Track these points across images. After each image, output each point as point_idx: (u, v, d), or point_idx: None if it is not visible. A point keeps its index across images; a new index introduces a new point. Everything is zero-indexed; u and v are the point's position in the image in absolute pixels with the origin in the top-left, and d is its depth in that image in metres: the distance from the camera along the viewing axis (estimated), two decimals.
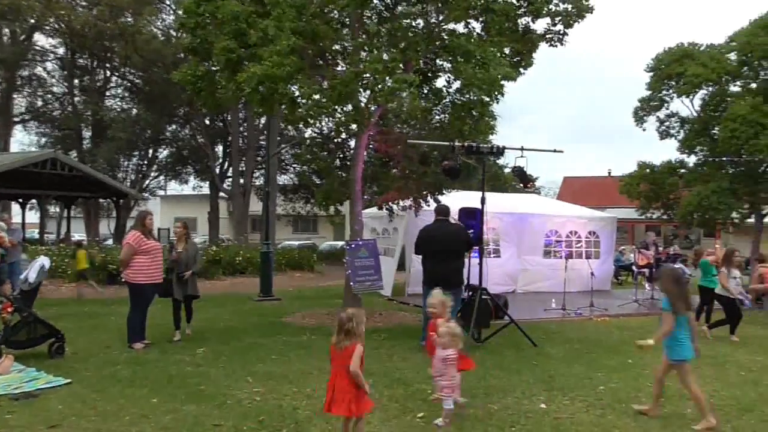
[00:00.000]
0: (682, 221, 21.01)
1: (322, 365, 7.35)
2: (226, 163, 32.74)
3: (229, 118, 29.85)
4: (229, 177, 32.18)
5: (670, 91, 21.85)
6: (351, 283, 10.73)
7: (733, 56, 20.76)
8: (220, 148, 32.92)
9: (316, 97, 9.09)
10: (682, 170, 21.57)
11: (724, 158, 19.50)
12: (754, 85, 20.47)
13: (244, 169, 29.56)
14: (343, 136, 12.28)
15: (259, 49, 8.90)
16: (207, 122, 31.30)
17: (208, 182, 34.22)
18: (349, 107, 10.06)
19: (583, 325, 11.25)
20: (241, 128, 30.63)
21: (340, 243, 28.05)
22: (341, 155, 12.58)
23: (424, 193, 12.30)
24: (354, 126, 10.54)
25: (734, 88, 21.06)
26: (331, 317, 11.28)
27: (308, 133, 12.49)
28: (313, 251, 28.39)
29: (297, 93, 9.27)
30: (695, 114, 21.81)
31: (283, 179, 33.05)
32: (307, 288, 17.98)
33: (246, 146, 29.83)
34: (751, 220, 20.62)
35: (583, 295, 14.26)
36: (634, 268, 17.13)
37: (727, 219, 19.97)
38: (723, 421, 5.52)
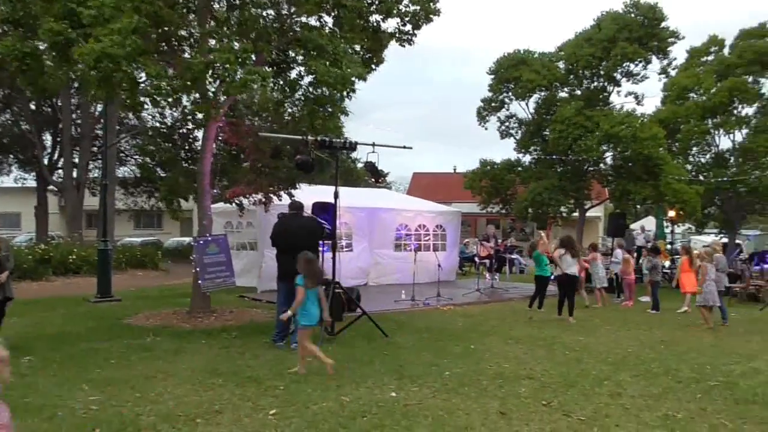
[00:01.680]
0: (519, 215, 22.90)
1: (168, 368, 7.01)
2: (56, 154, 29.86)
3: (59, 104, 27.22)
4: (60, 168, 29.37)
5: (509, 93, 23.67)
6: (199, 281, 10.34)
7: (561, 65, 22.94)
8: (48, 137, 29.95)
9: (163, 83, 8.56)
10: (519, 168, 23.48)
11: (554, 157, 21.51)
12: (578, 92, 22.81)
13: (77, 160, 27.15)
14: (190, 126, 11.72)
15: (95, 29, 8.18)
16: (33, 107, 28.29)
17: (34, 174, 31.00)
18: (197, 96, 9.62)
19: (431, 315, 11.77)
20: (74, 115, 28.08)
21: (188, 239, 26.87)
22: (187, 147, 11.99)
23: (277, 187, 12.10)
24: (201, 116, 10.10)
25: (562, 93, 23.33)
26: (178, 316, 10.77)
27: (151, 122, 11.68)
28: (157, 248, 26.93)
29: (140, 75, 8.66)
30: (530, 116, 23.79)
31: (122, 171, 30.78)
32: (151, 287, 16.97)
33: (80, 135, 27.38)
34: (576, 214, 22.97)
35: (431, 286, 14.95)
36: (476, 259, 18.36)
37: (557, 213, 22.09)
38: (551, 396, 6.04)
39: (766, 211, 28.77)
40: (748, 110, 25.79)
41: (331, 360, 6.76)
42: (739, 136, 25.93)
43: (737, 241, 25.07)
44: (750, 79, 25.34)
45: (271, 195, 12.17)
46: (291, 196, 11.91)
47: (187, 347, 8.23)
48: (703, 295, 10.91)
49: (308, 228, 8.67)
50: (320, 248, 9.11)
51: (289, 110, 11.56)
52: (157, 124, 11.53)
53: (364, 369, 7.06)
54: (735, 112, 25.72)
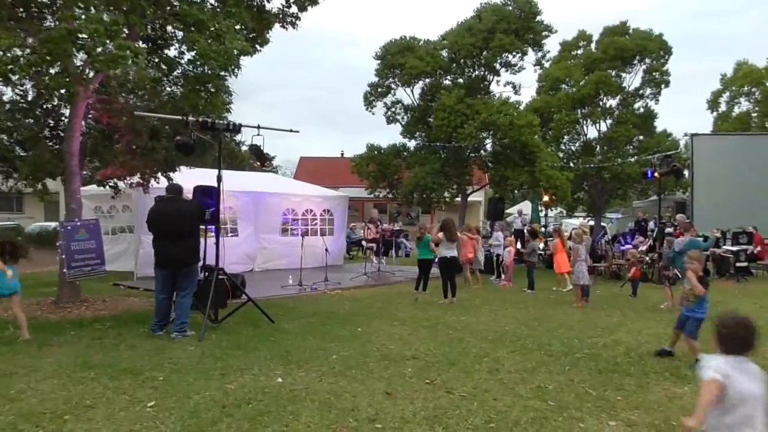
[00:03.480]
0: (405, 200, 23.36)
1: (30, 363, 6.48)
2: None
3: None
4: None
5: (396, 79, 24.02)
6: (65, 270, 9.63)
7: (445, 53, 23.59)
8: None
9: (19, 52, 7.78)
10: (405, 153, 23.92)
11: (437, 144, 22.16)
12: (461, 80, 23.59)
13: None
14: (55, 102, 10.77)
15: None
16: None
17: None
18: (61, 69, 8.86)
19: (319, 299, 11.75)
20: None
21: (54, 224, 24.95)
22: (52, 124, 11.01)
23: (154, 169, 11.44)
24: (65, 92, 9.31)
25: (446, 81, 24.02)
26: (43, 307, 9.97)
27: (8, 95, 10.59)
28: (17, 233, 24.76)
29: None
30: (415, 103, 24.30)
31: None
32: None
33: None
34: (459, 198, 23.83)
35: (319, 271, 14.91)
36: (363, 243, 18.55)
37: (440, 198, 22.84)
38: (434, 375, 6.23)
39: (628, 195, 31.71)
40: (612, 102, 28.33)
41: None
42: (603, 126, 28.35)
43: (602, 224, 27.24)
44: (613, 73, 27.68)
45: (148, 177, 11.51)
46: (169, 179, 11.34)
47: (53, 340, 7.65)
48: (575, 274, 11.65)
49: (187, 212, 8.31)
50: (207, 234, 8.83)
51: (168, 89, 10.96)
52: (17, 98, 10.41)
53: (250, 356, 6.92)
54: (600, 103, 28.03)
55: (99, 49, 7.82)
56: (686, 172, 21.32)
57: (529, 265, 13.96)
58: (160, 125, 11.02)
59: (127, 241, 15.01)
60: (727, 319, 3.23)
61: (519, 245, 17.22)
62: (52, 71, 9.29)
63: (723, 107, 34.08)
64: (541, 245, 16.09)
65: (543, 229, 21.74)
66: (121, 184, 11.82)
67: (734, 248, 16.65)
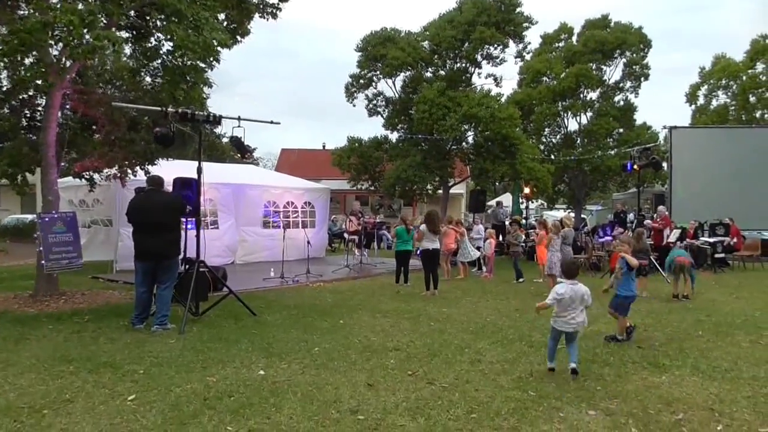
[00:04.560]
0: (387, 192, 23.37)
1: (7, 357, 6.41)
2: None
3: None
4: None
5: (377, 72, 24.02)
6: (42, 262, 9.49)
7: (426, 44, 23.59)
8: None
9: None
10: (387, 146, 23.98)
11: (419, 136, 22.18)
12: (443, 72, 23.62)
13: None
14: (31, 92, 10.57)
15: None
16: None
17: None
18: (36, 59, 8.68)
19: (301, 292, 11.70)
20: None
21: (31, 216, 24.59)
22: (28, 114, 10.79)
23: (133, 161, 11.28)
24: (41, 82, 9.12)
25: (428, 73, 24.03)
26: (20, 301, 9.84)
27: None
28: None
29: None
30: (397, 95, 24.31)
31: None
32: None
33: None
34: (441, 191, 23.91)
35: (301, 263, 14.86)
36: (345, 235, 18.50)
37: (423, 190, 22.91)
38: (416, 366, 6.26)
39: (607, 187, 32.09)
40: (592, 95, 28.61)
41: None
42: (584, 118, 28.59)
43: (582, 216, 27.52)
44: (594, 66, 27.92)
45: (127, 169, 11.34)
46: (147, 172, 11.19)
47: (31, 334, 7.54)
48: (547, 264, 11.82)
49: (167, 204, 8.23)
50: (183, 226, 8.75)
51: (147, 79, 10.80)
52: None
53: (231, 349, 6.89)
54: (581, 96, 28.27)
55: (75, 40, 7.66)
56: (665, 165, 21.59)
57: (514, 255, 14.07)
58: (139, 116, 10.88)
59: (103, 233, 14.80)
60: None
61: (500, 238, 17.32)
62: (27, 61, 9.10)
63: (701, 100, 34.56)
64: (522, 236, 16.22)
65: (524, 221, 21.90)
66: (97, 176, 11.64)
67: (711, 240, 16.90)
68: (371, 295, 11.42)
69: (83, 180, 11.60)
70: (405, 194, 23.26)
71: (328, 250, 21.01)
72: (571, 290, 5.99)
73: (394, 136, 24.24)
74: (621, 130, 27.56)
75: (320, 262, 16.81)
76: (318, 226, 18.68)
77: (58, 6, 7.83)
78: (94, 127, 10.90)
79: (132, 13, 9.88)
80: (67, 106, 10.82)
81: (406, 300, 10.83)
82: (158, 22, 9.93)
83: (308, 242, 14.54)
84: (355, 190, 26.16)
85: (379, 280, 13.84)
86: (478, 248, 14.99)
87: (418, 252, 12.13)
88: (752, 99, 31.49)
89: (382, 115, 24.62)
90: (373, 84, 24.49)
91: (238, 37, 11.22)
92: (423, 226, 11.72)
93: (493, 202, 24.50)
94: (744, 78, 31.59)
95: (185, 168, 10.77)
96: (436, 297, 11.25)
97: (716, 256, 16.43)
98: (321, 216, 18.87)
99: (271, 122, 9.31)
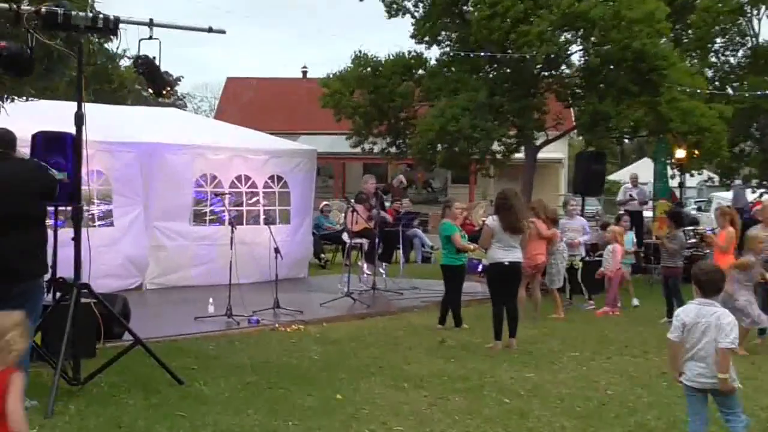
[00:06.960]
0: (421, 158, 16.14)
1: None
2: None
3: None
4: None
5: None
6: None
7: None
8: None
9: None
10: (421, 70, 16.26)
11: (482, 54, 15.33)
12: None
13: None
14: None
15: None
16: None
17: None
18: None
19: (263, 340, 8.31)
20: None
21: None
22: None
23: None
24: None
25: None
26: None
27: None
28: None
29: None
30: None
31: None
32: None
33: None
34: (522, 155, 16.41)
35: (263, 288, 10.36)
36: (345, 237, 12.75)
37: (488, 153, 16.47)
38: None
39: None
40: None
41: None
42: None
43: None
44: None
45: None
46: None
47: None
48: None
49: (23, 181, 5.76)
50: (50, 219, 6.35)
51: None
52: None
53: None
54: None
55: None
56: None
57: (671, 273, 9.54)
58: None
59: None
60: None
61: (633, 238, 11.74)
62: None
63: None
64: (685, 240, 10.84)
65: (683, 210, 15.04)
66: None
67: None
68: (393, 346, 8.08)
69: None
70: (454, 161, 16.79)
71: (314, 264, 14.92)
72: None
73: (434, 54, 16.16)
74: None
75: (299, 285, 12.00)
76: (295, 221, 13.09)
77: None
78: None
79: None
80: None
81: (458, 356, 7.69)
82: None
83: (276, 250, 9.84)
84: (361, 154, 18.42)
85: (407, 318, 9.93)
86: (571, 262, 10.20)
87: (481, 268, 8.38)
88: None
89: (412, 15, 16.50)
90: None
91: None
92: (491, 220, 7.78)
93: (622, 177, 18.11)
94: None
95: (54, 115, 8.04)
96: (513, 350, 7.73)
97: None
98: (300, 202, 13.16)
99: (210, 30, 6.62)
